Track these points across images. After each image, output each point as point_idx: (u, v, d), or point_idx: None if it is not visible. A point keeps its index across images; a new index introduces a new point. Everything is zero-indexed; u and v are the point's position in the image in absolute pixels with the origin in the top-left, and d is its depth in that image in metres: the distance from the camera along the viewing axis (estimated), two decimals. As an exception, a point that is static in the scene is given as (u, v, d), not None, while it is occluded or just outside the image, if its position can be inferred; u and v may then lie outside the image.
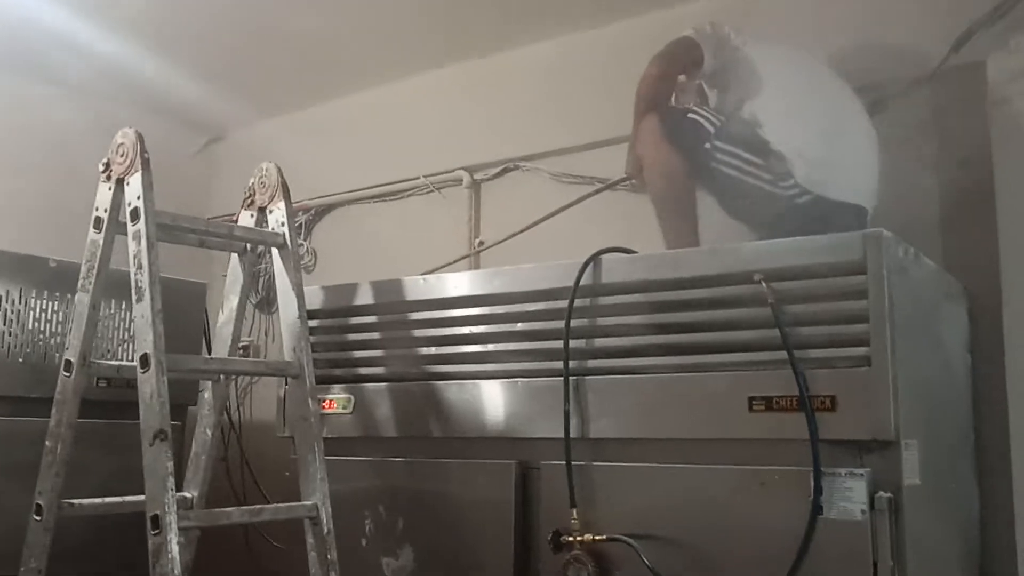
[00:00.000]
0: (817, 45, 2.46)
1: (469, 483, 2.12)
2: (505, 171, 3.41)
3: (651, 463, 1.91)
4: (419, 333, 2.28)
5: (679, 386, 1.89)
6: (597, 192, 2.92)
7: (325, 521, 2.01)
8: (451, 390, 2.19)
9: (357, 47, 3.45)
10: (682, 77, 2.58)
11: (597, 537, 1.90)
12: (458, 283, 2.24)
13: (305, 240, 3.97)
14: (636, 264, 2.02)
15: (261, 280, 3.95)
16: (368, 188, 3.78)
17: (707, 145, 2.31)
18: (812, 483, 1.71)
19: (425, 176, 3.56)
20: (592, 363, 2.02)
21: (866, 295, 1.72)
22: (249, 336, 4.02)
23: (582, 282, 2.02)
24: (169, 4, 3.15)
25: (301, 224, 3.96)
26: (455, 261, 3.21)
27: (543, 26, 3.23)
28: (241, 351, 3.92)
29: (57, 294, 2.68)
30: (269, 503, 2.51)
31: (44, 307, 2.67)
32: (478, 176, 3.47)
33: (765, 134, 2.28)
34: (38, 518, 2.00)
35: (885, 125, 2.38)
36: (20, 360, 2.59)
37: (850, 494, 1.70)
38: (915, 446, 1.76)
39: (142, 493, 1.82)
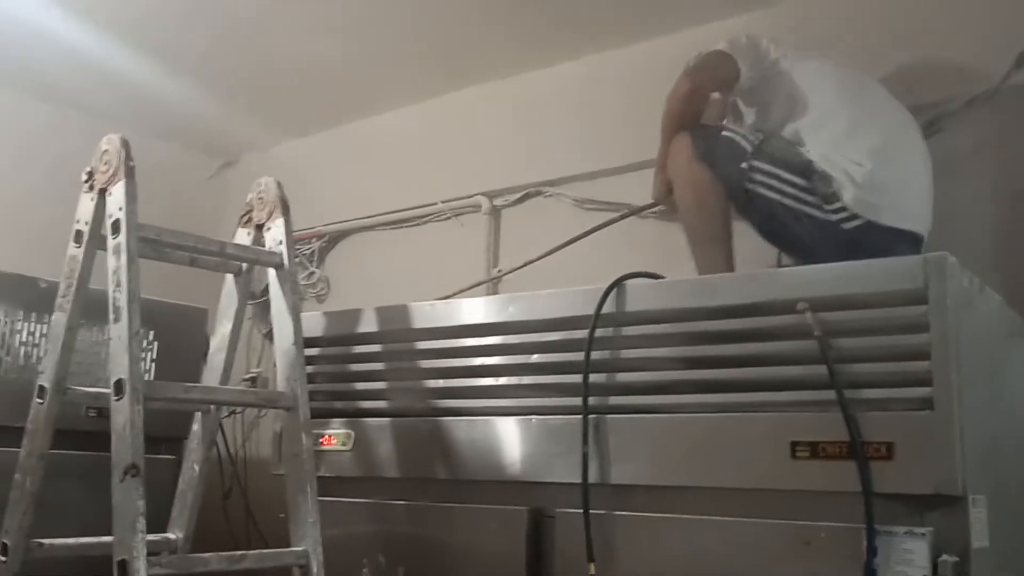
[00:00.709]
0: (868, 62, 2.27)
1: (477, 530, 1.92)
2: (526, 197, 3.24)
3: (679, 514, 1.70)
4: (426, 364, 2.09)
5: (712, 428, 1.69)
6: (623, 217, 2.74)
7: (316, 570, 1.81)
8: (460, 427, 2.00)
9: (374, 69, 3.31)
10: (715, 95, 2.41)
11: (618, 596, 1.69)
12: (470, 310, 2.05)
13: (318, 268, 3.81)
14: (665, 291, 1.82)
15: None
16: (383, 214, 3.62)
17: (743, 165, 2.13)
18: (865, 543, 1.49)
19: (443, 202, 3.40)
20: (614, 400, 1.82)
21: (927, 328, 1.51)
22: (258, 367, 3.85)
23: (605, 310, 1.83)
24: (183, 27, 3.04)
25: (315, 250, 3.80)
26: (471, 287, 3.03)
27: (567, 46, 3.08)
28: (248, 383, 3.76)
29: (47, 316, 2.51)
30: (269, 548, 2.32)
31: (32, 330, 2.51)
32: (498, 202, 3.30)
33: (809, 153, 2.09)
34: (3, 559, 1.82)
35: (940, 147, 2.19)
36: (6, 388, 2.43)
37: (910, 556, 1.48)
38: (983, 503, 1.54)
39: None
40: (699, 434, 1.70)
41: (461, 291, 2.93)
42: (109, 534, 1.82)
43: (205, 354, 2.87)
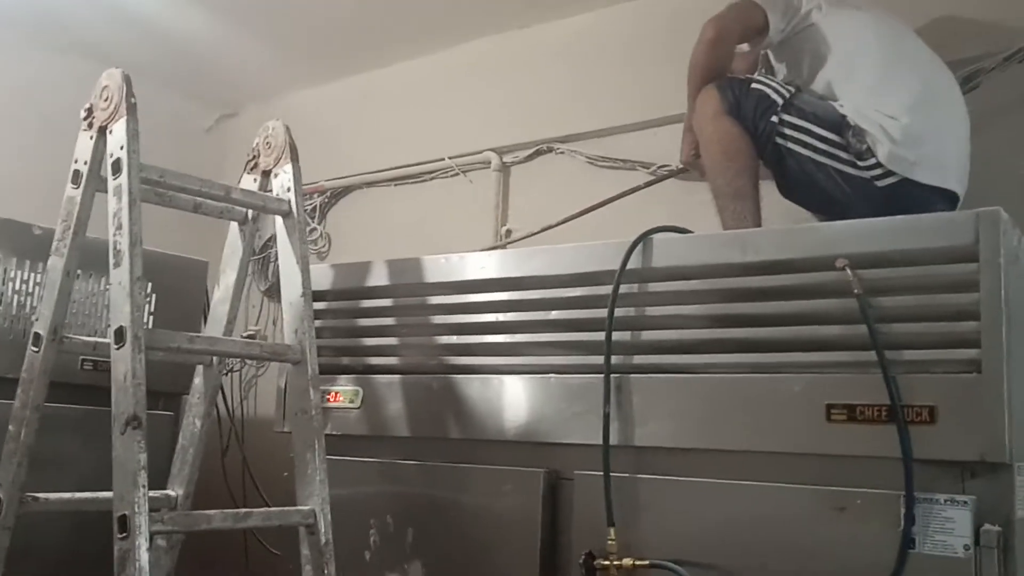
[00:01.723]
0: (905, 16, 2.17)
1: (491, 492, 1.84)
2: (537, 153, 3.13)
3: (705, 478, 1.63)
4: (439, 320, 2.01)
5: (743, 389, 1.61)
6: (648, 185, 2.64)
7: (323, 530, 1.74)
8: (473, 386, 1.92)
9: (382, 20, 3.19)
10: (743, 46, 2.31)
11: (638, 562, 1.62)
12: (485, 264, 1.96)
13: (319, 224, 3.71)
14: (695, 245, 1.74)
15: (272, 266, 3.70)
16: (388, 170, 3.51)
17: (773, 119, 2.03)
18: (903, 510, 1.43)
19: (450, 158, 3.29)
20: (639, 359, 1.74)
21: (977, 287, 1.43)
22: (256, 325, 3.77)
23: (630, 265, 1.74)
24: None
25: (316, 206, 3.70)
26: (480, 251, 2.93)
27: (581, -3, 2.96)
28: (246, 339, 3.67)
29: (41, 264, 2.42)
30: (268, 506, 2.25)
31: (26, 278, 2.41)
32: (508, 159, 3.20)
33: (842, 108, 2.00)
34: (-6, 513, 1.74)
35: (976, 104, 2.09)
36: (7, 337, 2.34)
37: (950, 526, 1.41)
38: (1026, 471, 1.48)
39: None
40: (728, 395, 1.62)
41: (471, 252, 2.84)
42: (106, 490, 1.75)
43: (205, 309, 2.80)
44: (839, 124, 1.98)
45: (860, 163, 1.94)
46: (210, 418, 2.05)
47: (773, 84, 2.09)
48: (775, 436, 1.57)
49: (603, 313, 1.75)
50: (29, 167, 3.22)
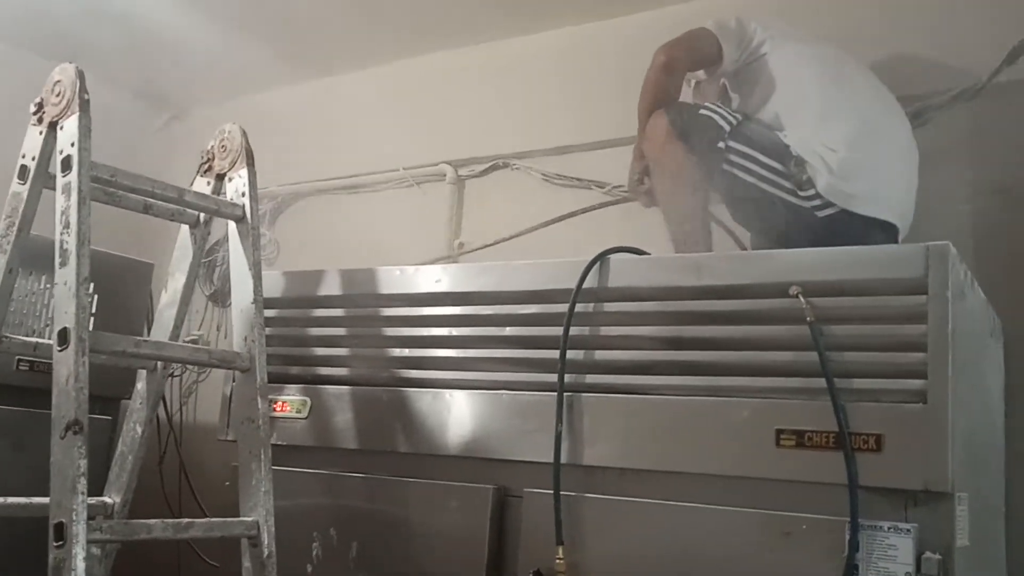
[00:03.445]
0: (858, 51, 2.22)
1: (438, 508, 1.83)
2: (493, 168, 3.14)
3: (654, 499, 1.63)
4: (391, 332, 1.99)
5: (693, 411, 1.62)
6: (603, 206, 2.67)
7: (267, 542, 1.70)
8: (424, 399, 1.90)
9: (340, 24, 3.17)
10: (701, 73, 2.34)
11: (585, 581, 1.62)
12: (440, 277, 1.95)
13: (268, 230, 3.66)
14: (651, 267, 1.75)
15: (218, 270, 3.64)
16: (340, 178, 3.48)
17: (720, 145, 2.07)
18: (848, 537, 1.45)
19: (405, 168, 3.28)
20: (591, 378, 1.74)
21: (925, 319, 1.46)
22: (199, 330, 3.70)
23: (586, 284, 1.75)
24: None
25: (266, 211, 3.65)
26: (432, 263, 2.93)
27: (547, 15, 2.98)
28: (193, 345, 3.60)
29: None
30: (205, 515, 2.20)
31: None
32: (463, 172, 3.20)
33: (787, 138, 2.04)
34: (-78, 518, 1.67)
35: (924, 140, 2.15)
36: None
37: (893, 553, 1.44)
38: (966, 500, 1.51)
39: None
40: (679, 417, 1.63)
41: (423, 264, 2.83)
42: (38, 495, 1.70)
43: (148, 313, 2.75)
44: (783, 154, 2.02)
45: (801, 192, 1.99)
46: (151, 424, 2.00)
47: (721, 111, 2.12)
48: (724, 459, 1.58)
49: (557, 331, 1.75)
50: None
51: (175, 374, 3.38)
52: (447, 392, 1.88)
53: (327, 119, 3.55)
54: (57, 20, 3.23)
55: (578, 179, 2.91)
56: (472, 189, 3.20)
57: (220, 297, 3.60)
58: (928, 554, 1.42)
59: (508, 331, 1.84)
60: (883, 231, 2.01)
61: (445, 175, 3.19)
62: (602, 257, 1.77)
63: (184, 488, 3.09)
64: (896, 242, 2.01)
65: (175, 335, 1.99)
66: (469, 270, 1.97)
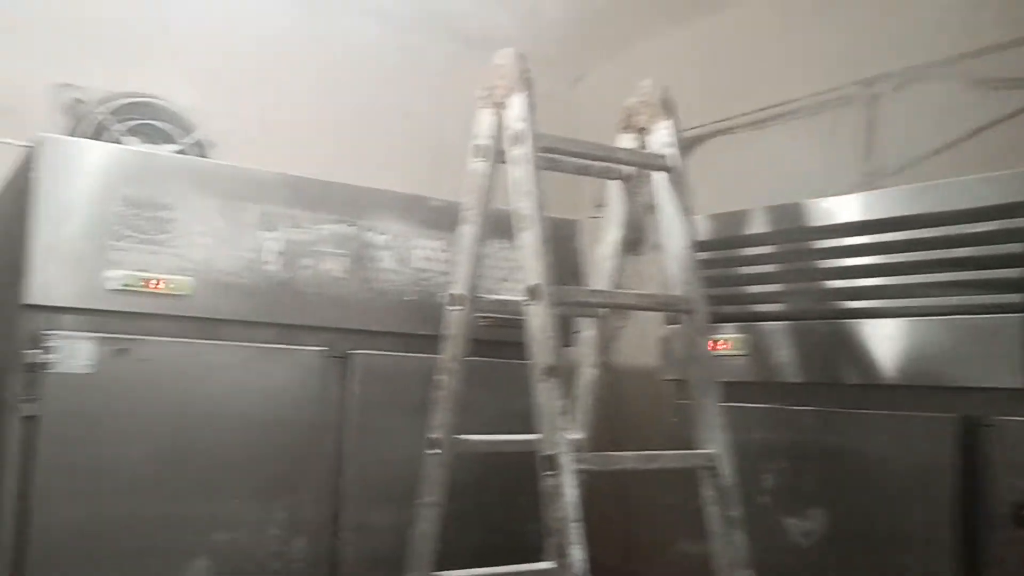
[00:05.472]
0: None
1: (894, 439, 1.80)
2: (907, 81, 2.92)
3: None
4: (825, 264, 1.97)
5: None
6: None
7: (726, 472, 1.79)
8: (867, 329, 1.87)
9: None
10: None
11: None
12: (869, 204, 1.89)
13: (671, 176, 3.74)
14: None
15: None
16: (741, 115, 3.45)
17: None
18: None
19: (808, 96, 3.16)
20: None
21: None
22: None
23: (1049, 194, 1.60)
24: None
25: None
26: (847, 192, 2.81)
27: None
28: (638, 293, 3.81)
29: (439, 233, 2.69)
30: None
31: (428, 246, 2.69)
32: (875, 90, 3.01)
33: None
34: (433, 452, 1.99)
35: None
36: (407, 298, 2.62)
37: None
38: None
39: (523, 434, 1.72)
40: None
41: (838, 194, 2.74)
42: (508, 433, 1.95)
43: (578, 268, 2.96)
44: None
45: None
46: (601, 367, 2.18)
47: None
48: None
49: (1012, 249, 1.62)
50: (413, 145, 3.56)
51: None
52: (891, 321, 1.83)
53: (719, 57, 3.53)
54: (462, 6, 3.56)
55: (1012, 79, 2.61)
56: (883, 108, 3.01)
57: (631, 246, 3.77)
58: None
59: (959, 252, 1.74)
60: None
61: (852, 97, 3.03)
62: (1069, 162, 1.60)
63: (618, 427, 3.31)
64: None
65: (614, 285, 2.15)
66: (905, 193, 1.89)
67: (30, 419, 1.98)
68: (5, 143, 2.54)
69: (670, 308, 1.94)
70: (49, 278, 2.01)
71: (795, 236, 2.01)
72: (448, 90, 3.56)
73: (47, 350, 2.00)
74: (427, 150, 3.51)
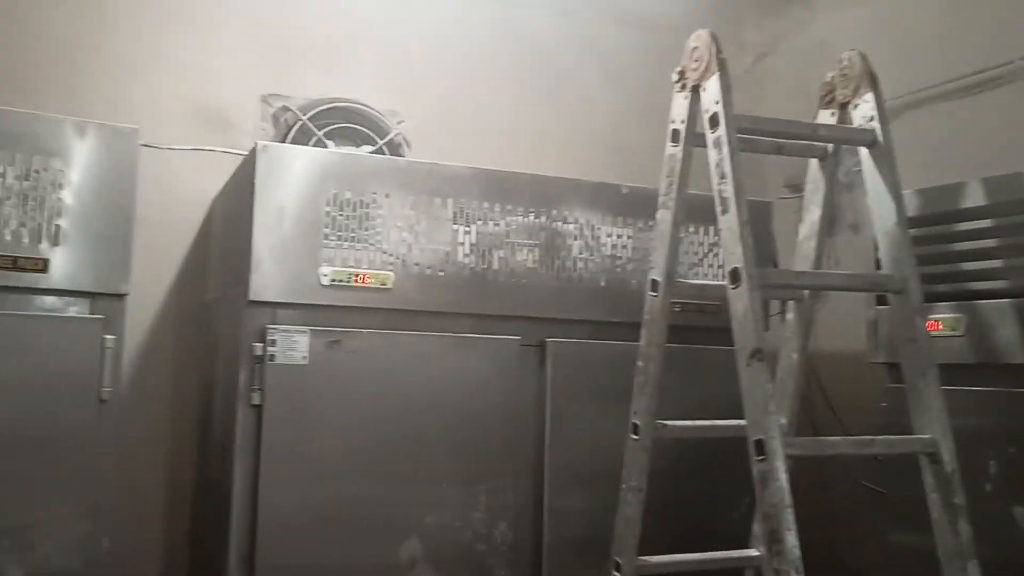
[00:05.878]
0: None
1: None
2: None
3: None
4: (1050, 237, 1.84)
5: None
6: None
7: (947, 459, 1.71)
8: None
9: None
10: None
11: None
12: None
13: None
14: None
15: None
16: (937, 85, 3.25)
17: None
18: None
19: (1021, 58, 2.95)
20: None
21: None
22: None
23: None
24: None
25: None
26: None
27: None
28: (845, 272, 3.68)
29: (628, 220, 2.69)
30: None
31: (618, 233, 2.70)
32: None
33: None
34: (635, 437, 2.00)
35: None
36: (601, 284, 2.64)
37: None
38: None
39: (719, 419, 1.71)
40: None
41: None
42: (702, 419, 1.93)
43: (772, 250, 2.89)
44: None
45: None
46: (805, 351, 2.12)
47: None
48: None
49: None
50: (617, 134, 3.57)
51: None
52: None
53: (905, 25, 3.34)
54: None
55: None
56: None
57: (828, 225, 3.63)
58: None
59: None
60: None
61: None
62: None
63: (818, 410, 3.20)
64: None
65: (816, 265, 2.09)
66: None
67: (255, 408, 2.14)
68: (227, 152, 2.76)
69: (881, 288, 1.86)
70: (269, 276, 2.16)
71: (1017, 209, 1.89)
72: (625, 77, 3.57)
73: (270, 343, 2.15)
74: (607, 136, 3.53)
